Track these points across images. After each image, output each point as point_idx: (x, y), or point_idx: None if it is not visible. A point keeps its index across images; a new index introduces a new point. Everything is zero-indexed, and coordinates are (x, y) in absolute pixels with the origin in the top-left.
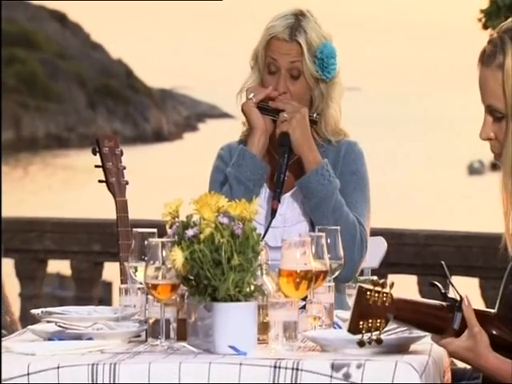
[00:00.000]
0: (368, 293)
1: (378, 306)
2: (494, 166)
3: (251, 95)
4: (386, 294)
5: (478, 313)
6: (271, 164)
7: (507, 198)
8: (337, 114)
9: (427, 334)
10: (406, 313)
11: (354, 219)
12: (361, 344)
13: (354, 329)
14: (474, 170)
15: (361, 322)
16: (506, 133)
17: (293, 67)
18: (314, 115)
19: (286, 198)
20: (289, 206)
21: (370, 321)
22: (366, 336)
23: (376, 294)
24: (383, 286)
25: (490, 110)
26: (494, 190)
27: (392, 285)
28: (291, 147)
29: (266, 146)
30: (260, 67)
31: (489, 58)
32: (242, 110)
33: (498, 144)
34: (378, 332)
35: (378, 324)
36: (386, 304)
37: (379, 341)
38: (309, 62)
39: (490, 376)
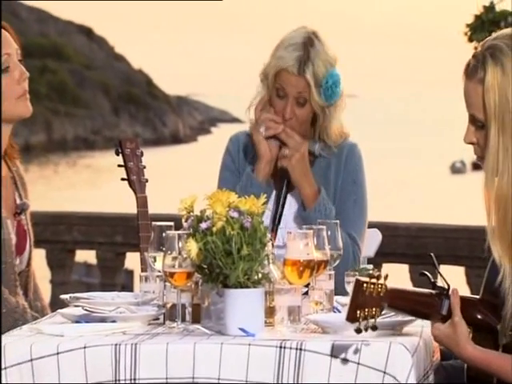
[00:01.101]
0: (365, 285)
1: (373, 296)
2: (475, 166)
3: (262, 129)
4: (381, 285)
5: (464, 299)
6: (276, 171)
7: (489, 196)
8: (339, 126)
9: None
10: (399, 301)
11: (347, 243)
12: (358, 331)
13: (351, 318)
14: (456, 170)
15: (358, 312)
16: (485, 141)
17: (300, 96)
18: (315, 148)
19: (288, 198)
20: (290, 206)
21: (366, 310)
22: (363, 324)
23: (372, 286)
24: (378, 278)
25: (472, 118)
26: (474, 187)
27: (386, 276)
28: (290, 180)
29: (271, 172)
30: (269, 86)
31: (471, 72)
32: (252, 139)
33: (479, 148)
34: (373, 320)
35: (374, 312)
36: (381, 294)
37: (374, 328)
38: (315, 93)
39: (473, 365)
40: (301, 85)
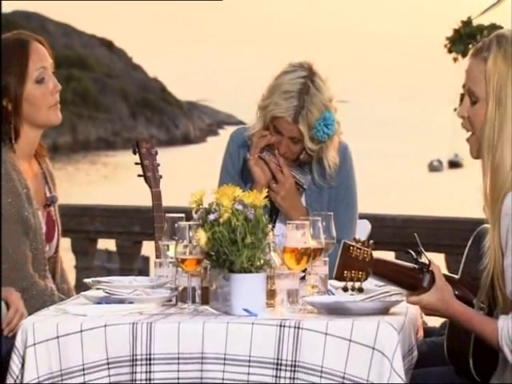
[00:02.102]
0: (351, 248)
1: (359, 260)
2: (451, 165)
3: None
4: (367, 251)
5: (444, 276)
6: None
7: (484, 162)
8: (334, 154)
9: (403, 299)
10: (384, 269)
11: (335, 249)
12: (344, 289)
13: (339, 276)
14: (433, 168)
15: (345, 272)
16: (478, 116)
17: (294, 137)
18: (303, 182)
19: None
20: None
21: (353, 272)
22: (350, 284)
23: (358, 250)
24: (363, 244)
25: (469, 92)
26: (450, 184)
27: (372, 244)
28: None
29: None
30: (266, 122)
31: (477, 51)
32: (249, 165)
33: (469, 124)
34: (359, 282)
35: (360, 276)
36: (367, 260)
37: (360, 289)
38: (308, 140)
39: (456, 322)
40: (295, 131)
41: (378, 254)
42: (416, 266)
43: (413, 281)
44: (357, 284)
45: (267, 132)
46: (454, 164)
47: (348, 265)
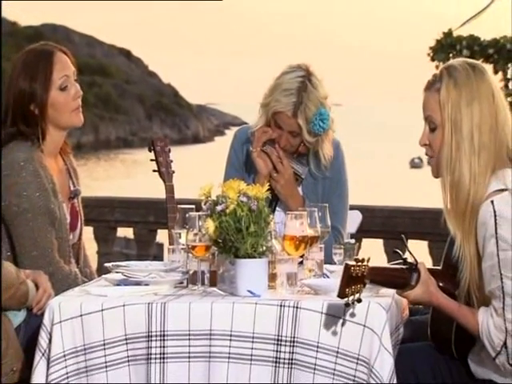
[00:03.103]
0: (352, 268)
1: (358, 276)
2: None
3: (255, 152)
4: (364, 266)
5: (429, 269)
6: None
7: (444, 183)
8: (329, 147)
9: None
10: (378, 277)
11: (333, 233)
12: (347, 305)
13: (342, 295)
14: (414, 165)
15: (347, 290)
16: (437, 142)
17: (293, 131)
18: (301, 172)
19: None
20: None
21: (353, 287)
22: (351, 298)
23: (357, 268)
24: (363, 261)
25: (428, 120)
26: (429, 180)
27: (368, 259)
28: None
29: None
30: (267, 118)
31: (430, 84)
32: (252, 157)
33: (430, 149)
34: (358, 294)
35: (359, 288)
36: (365, 274)
37: (359, 300)
38: (305, 133)
39: (441, 312)
40: (294, 125)
41: (369, 242)
42: (404, 267)
43: (402, 280)
44: (356, 296)
45: (269, 128)
46: None
47: (349, 283)
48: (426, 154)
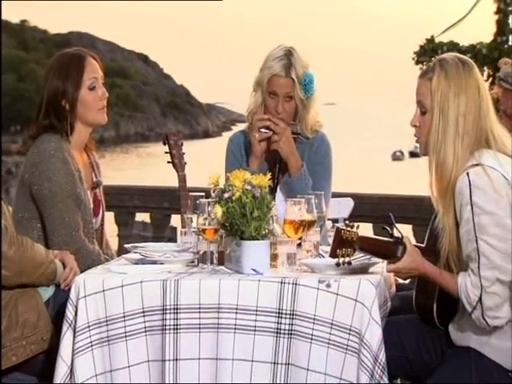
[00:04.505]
0: (342, 231)
1: (348, 240)
2: (412, 155)
3: (257, 135)
4: (354, 232)
5: (413, 245)
6: (270, 153)
7: (431, 162)
8: (314, 115)
9: (379, 262)
10: (367, 245)
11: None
12: (337, 265)
13: (333, 255)
14: (396, 157)
15: (338, 250)
16: (427, 124)
17: (287, 95)
18: (297, 128)
19: (279, 186)
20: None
21: (344, 249)
22: (341, 259)
23: (347, 233)
24: (352, 227)
25: (419, 104)
26: (410, 171)
27: (358, 227)
28: (281, 158)
29: (261, 163)
30: (263, 91)
31: (424, 73)
32: (251, 137)
33: (420, 130)
34: (348, 257)
35: (349, 252)
36: (354, 239)
37: (349, 263)
38: (298, 90)
39: (427, 279)
40: (288, 84)
41: (360, 227)
42: (391, 240)
43: (389, 252)
44: (347, 259)
45: (264, 115)
46: (414, 154)
47: (340, 245)
48: (415, 135)
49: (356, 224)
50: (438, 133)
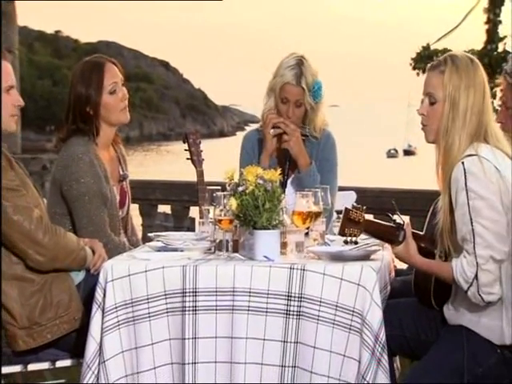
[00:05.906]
0: (350, 212)
1: (355, 221)
2: (405, 153)
3: (271, 131)
4: (361, 214)
5: (413, 232)
6: (280, 152)
7: (439, 148)
8: (321, 117)
9: (380, 249)
10: (371, 228)
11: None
12: (345, 242)
13: (341, 232)
14: (390, 155)
15: (346, 229)
16: (434, 114)
17: (297, 101)
18: (306, 130)
19: (289, 181)
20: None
21: (351, 229)
22: (348, 238)
23: (355, 213)
24: (358, 209)
25: (429, 96)
26: (404, 168)
27: (364, 209)
28: (291, 156)
29: (272, 158)
30: (276, 97)
31: (435, 66)
32: (264, 134)
33: (427, 119)
34: (355, 237)
35: (356, 232)
36: (360, 221)
37: (356, 242)
38: (308, 98)
39: (417, 269)
40: (299, 92)
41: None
42: (394, 225)
43: (391, 236)
44: (354, 238)
45: (275, 114)
46: (408, 152)
47: (348, 224)
48: (422, 123)
49: (364, 207)
50: (448, 121)
